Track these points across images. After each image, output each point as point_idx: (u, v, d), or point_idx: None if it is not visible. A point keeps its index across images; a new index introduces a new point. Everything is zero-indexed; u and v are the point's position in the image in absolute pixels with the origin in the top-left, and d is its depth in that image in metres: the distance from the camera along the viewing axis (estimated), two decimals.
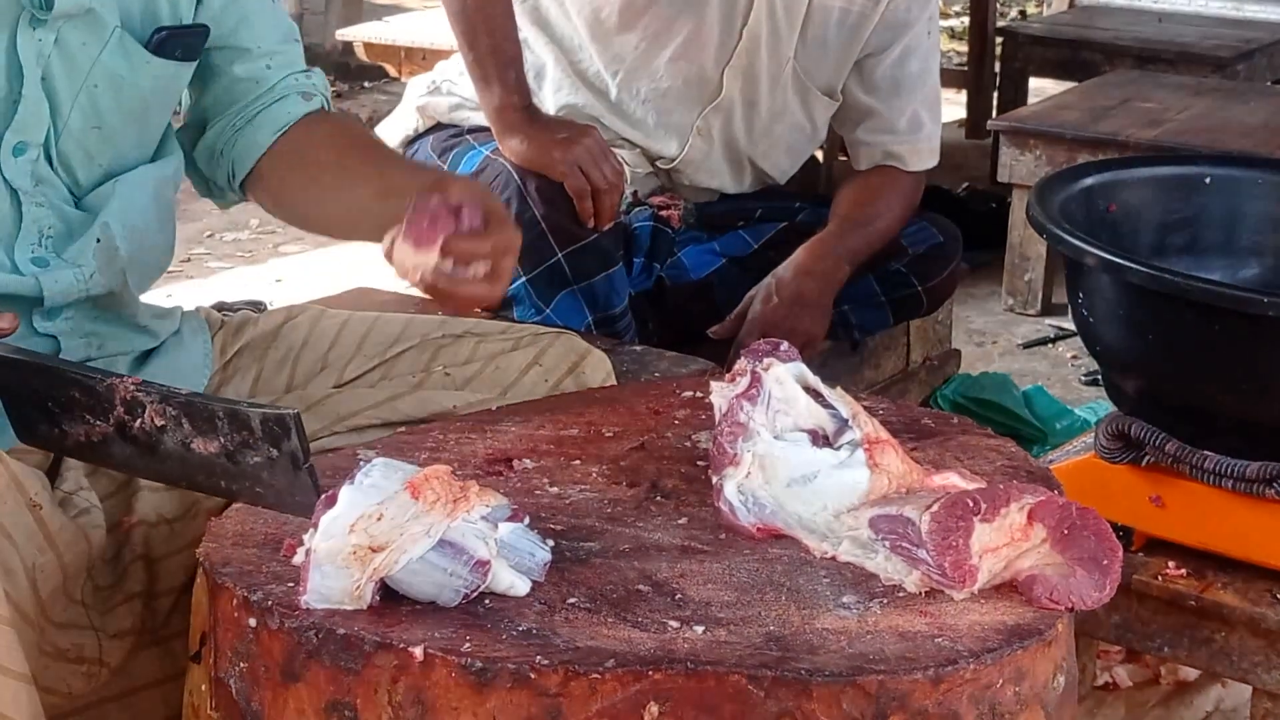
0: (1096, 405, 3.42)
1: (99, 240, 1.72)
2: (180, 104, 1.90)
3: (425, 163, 1.77)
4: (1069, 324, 3.95)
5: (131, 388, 1.47)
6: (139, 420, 1.47)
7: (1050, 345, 4.08)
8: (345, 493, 1.33)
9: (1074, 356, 3.97)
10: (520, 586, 1.35)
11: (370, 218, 1.73)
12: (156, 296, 1.96)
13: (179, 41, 1.75)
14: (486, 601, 1.33)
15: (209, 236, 4.76)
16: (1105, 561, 1.34)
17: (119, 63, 1.70)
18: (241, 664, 1.34)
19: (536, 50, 2.85)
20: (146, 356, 1.81)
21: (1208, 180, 2.32)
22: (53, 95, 1.67)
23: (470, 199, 1.62)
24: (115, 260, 1.73)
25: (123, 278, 1.75)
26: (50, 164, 1.69)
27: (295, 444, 1.41)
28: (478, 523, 1.33)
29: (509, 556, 1.35)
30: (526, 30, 2.82)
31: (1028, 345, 4.08)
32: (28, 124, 1.66)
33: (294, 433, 1.40)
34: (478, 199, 1.63)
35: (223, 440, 1.44)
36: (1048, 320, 4.22)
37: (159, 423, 1.46)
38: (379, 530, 1.31)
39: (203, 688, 1.39)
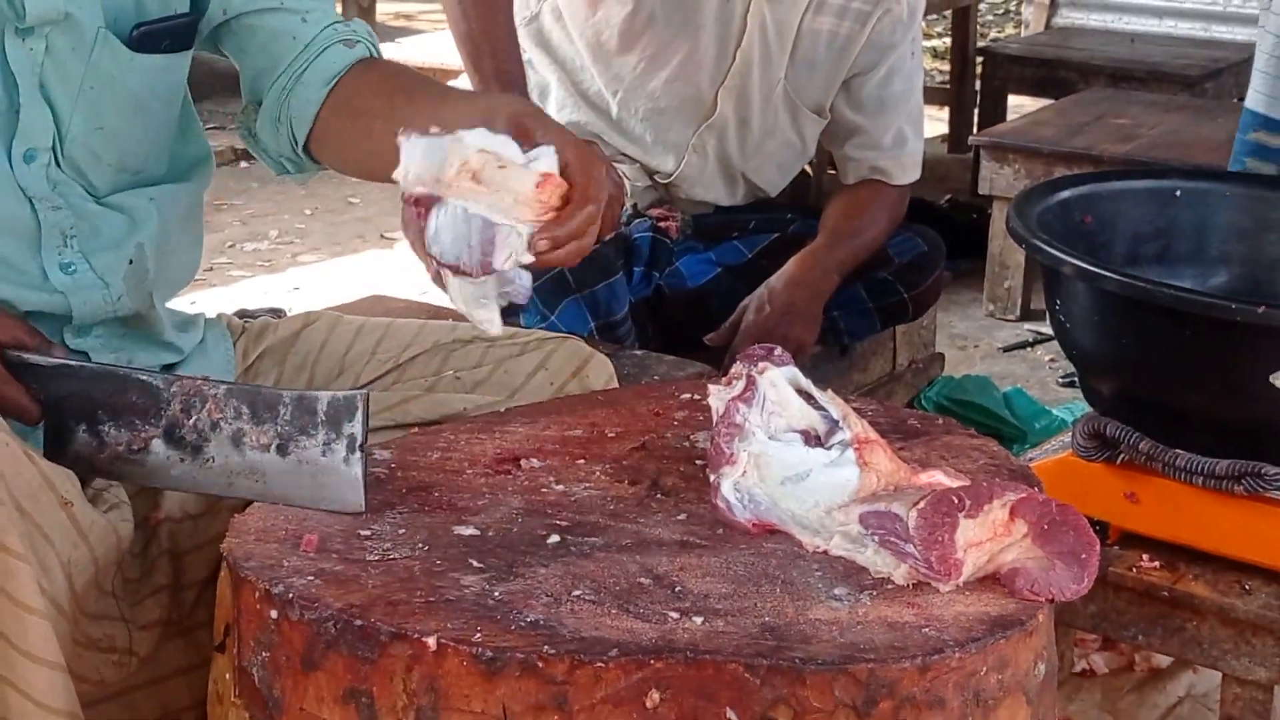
0: (1073, 406, 3.43)
1: (131, 262, 1.69)
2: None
3: (470, 91, 1.61)
4: (1047, 329, 3.95)
5: (198, 383, 1.47)
6: (194, 417, 1.47)
7: (1029, 349, 4.08)
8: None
9: (1051, 360, 3.97)
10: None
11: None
12: (181, 304, 1.95)
13: (163, 34, 1.68)
14: (496, 593, 1.33)
15: (230, 247, 4.75)
16: (1084, 555, 1.34)
17: (108, 63, 1.65)
18: (264, 653, 1.34)
19: (540, 70, 2.85)
20: (172, 368, 1.79)
21: (1178, 193, 2.32)
22: (53, 101, 1.63)
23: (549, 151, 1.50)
24: (144, 282, 1.71)
25: (150, 299, 1.73)
26: (60, 168, 1.65)
27: (358, 427, 1.42)
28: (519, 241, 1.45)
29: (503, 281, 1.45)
30: (530, 51, 2.82)
31: (1007, 349, 4.08)
32: (32, 131, 1.62)
33: (359, 414, 1.41)
34: (561, 152, 1.51)
35: (279, 428, 1.43)
36: (1026, 325, 4.22)
37: (216, 416, 1.46)
38: (479, 165, 1.41)
39: (227, 676, 1.39)
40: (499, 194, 1.43)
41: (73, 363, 1.55)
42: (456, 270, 1.44)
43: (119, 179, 1.70)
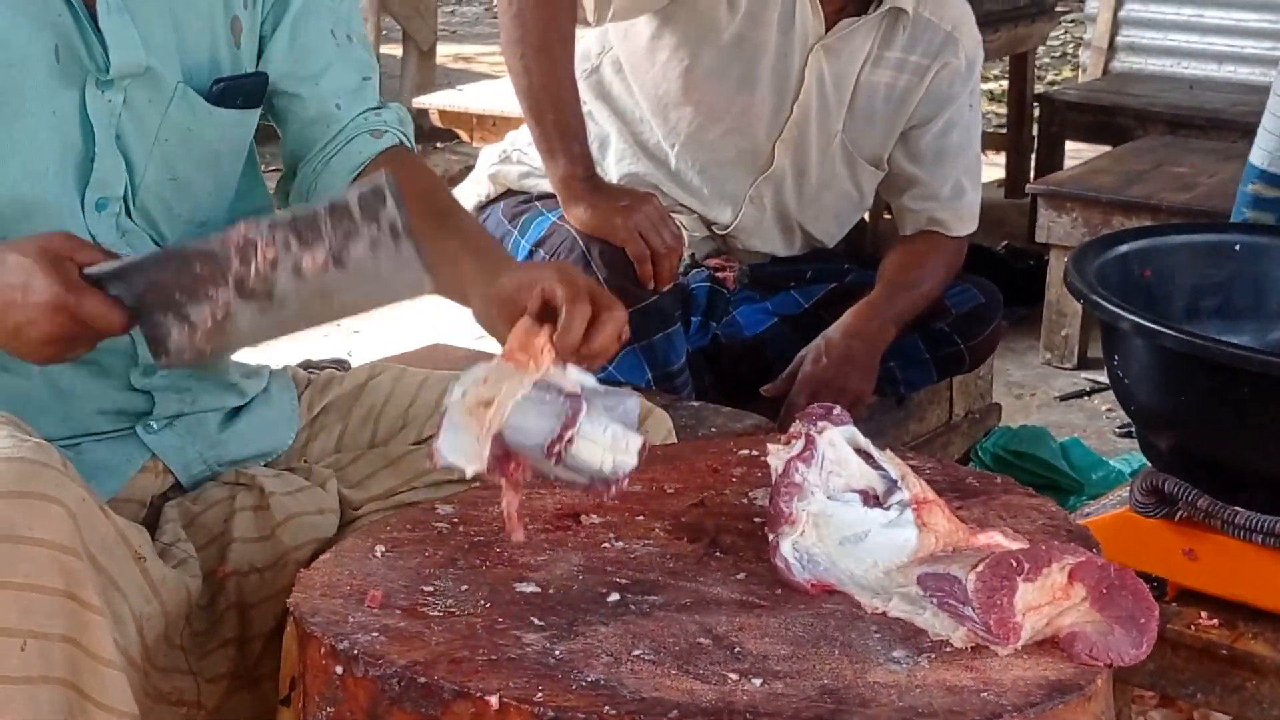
0: (1130, 457, 3.41)
1: None
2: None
3: (489, 247, 1.67)
4: (1104, 378, 3.93)
5: (241, 230, 1.48)
6: (253, 265, 1.48)
7: (1086, 398, 4.06)
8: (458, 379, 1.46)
9: (1109, 409, 3.95)
10: (624, 438, 1.43)
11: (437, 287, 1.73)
12: (246, 354, 1.98)
13: (238, 90, 1.73)
14: (558, 652, 1.34)
15: None
16: (1143, 620, 1.35)
17: (185, 116, 1.69)
18: (328, 709, 1.35)
19: (600, 121, 2.88)
20: (236, 412, 1.82)
21: (1238, 247, 2.32)
22: (127, 152, 1.66)
23: (567, 295, 1.50)
24: None
25: None
26: (131, 217, 1.68)
27: (393, 211, 1.42)
28: (567, 371, 1.45)
29: (598, 401, 1.44)
30: (591, 103, 2.85)
31: (1064, 398, 4.06)
32: (106, 180, 1.65)
33: (389, 198, 1.42)
34: (573, 291, 1.51)
35: (329, 243, 1.45)
36: (1083, 374, 4.20)
37: (271, 255, 1.47)
38: (486, 390, 1.43)
39: None
40: (511, 394, 1.46)
41: (135, 258, 1.55)
42: (589, 482, 1.48)
43: (187, 230, 1.73)
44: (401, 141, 1.83)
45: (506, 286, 1.57)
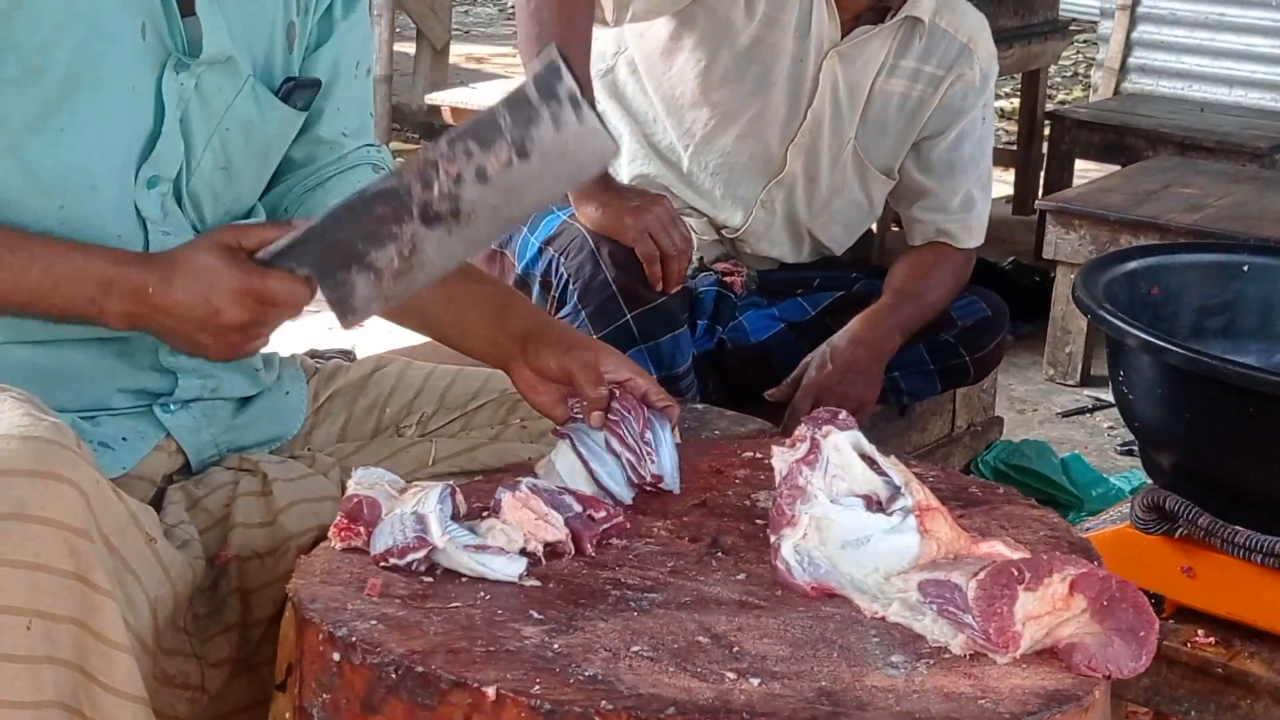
0: (1131, 475, 3.40)
1: None
2: None
3: (518, 302, 1.84)
4: (1107, 395, 3.93)
5: (421, 155, 1.46)
6: (436, 185, 1.46)
7: (1088, 415, 4.06)
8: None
9: (1110, 426, 3.94)
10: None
11: (428, 331, 1.83)
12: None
13: (301, 92, 1.77)
14: (556, 646, 1.34)
15: None
16: (1142, 633, 1.34)
17: (250, 108, 1.71)
18: (324, 695, 1.35)
19: (613, 122, 2.87)
20: (250, 399, 1.82)
21: (1245, 268, 2.32)
22: (188, 136, 1.68)
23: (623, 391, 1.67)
24: None
25: None
26: (179, 200, 1.69)
27: (570, 82, 1.39)
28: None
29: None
30: (605, 103, 2.85)
31: (1066, 414, 4.06)
32: (164, 160, 1.67)
33: (563, 70, 1.39)
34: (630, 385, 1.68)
35: (509, 137, 1.42)
36: (1086, 391, 4.19)
37: (454, 171, 1.45)
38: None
39: (287, 715, 1.41)
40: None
41: (302, 228, 1.54)
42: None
43: (225, 219, 1.75)
44: None
45: (587, 357, 1.69)
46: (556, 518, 1.50)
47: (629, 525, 1.56)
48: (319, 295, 1.56)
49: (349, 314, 1.55)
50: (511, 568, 1.45)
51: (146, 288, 1.54)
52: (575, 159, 1.46)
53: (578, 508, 1.53)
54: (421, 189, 1.47)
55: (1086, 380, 4.23)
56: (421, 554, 1.45)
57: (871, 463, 1.50)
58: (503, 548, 1.46)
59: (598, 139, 1.44)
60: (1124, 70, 6.36)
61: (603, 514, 1.52)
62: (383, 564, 1.45)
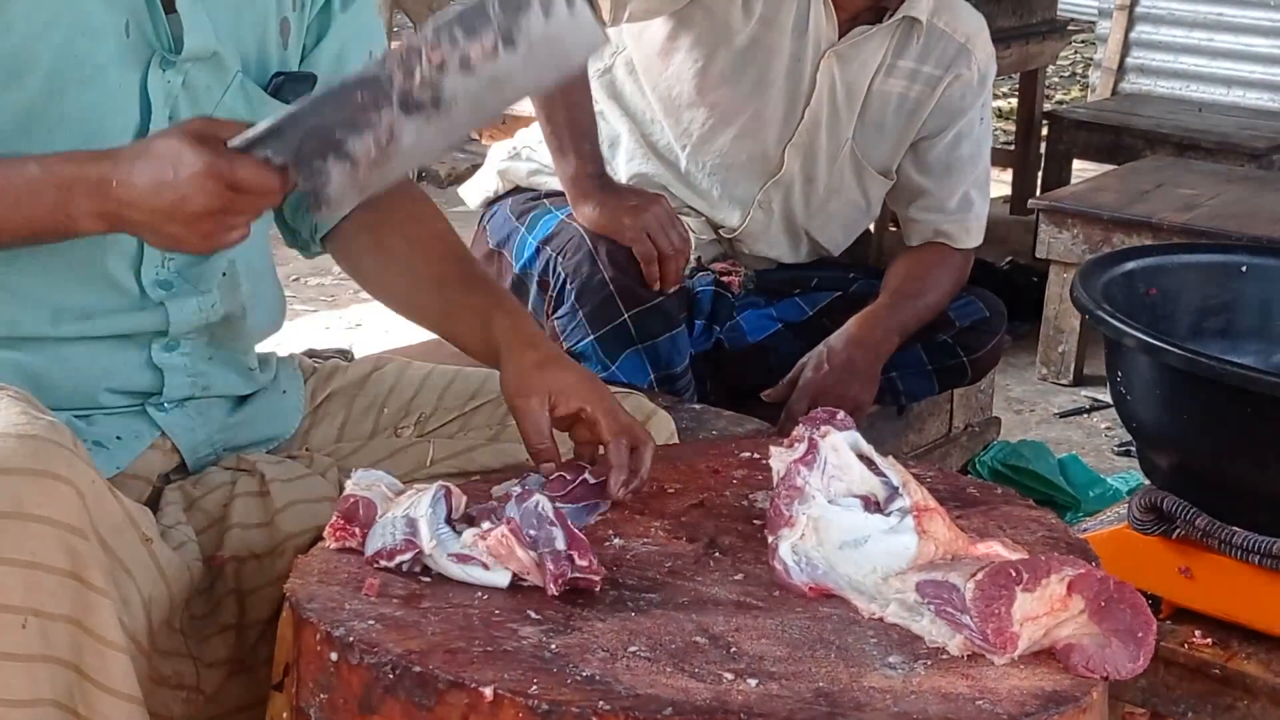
0: (1128, 475, 3.40)
1: (225, 275, 1.73)
2: None
3: (517, 308, 1.81)
4: (1103, 395, 3.93)
5: (406, 45, 1.41)
6: (418, 73, 1.41)
7: (1085, 415, 4.06)
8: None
9: (1108, 427, 3.94)
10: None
11: (436, 329, 1.82)
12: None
13: (292, 86, 1.75)
14: (553, 646, 1.34)
15: (294, 280, 4.80)
16: (1140, 634, 1.34)
17: (239, 104, 1.70)
18: (322, 695, 1.35)
19: (611, 121, 2.87)
20: (245, 399, 1.82)
21: (1244, 268, 2.32)
22: None
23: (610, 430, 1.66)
24: (238, 293, 1.75)
25: (243, 310, 1.76)
26: None
27: None
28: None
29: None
30: (603, 103, 2.85)
31: (1064, 415, 4.06)
32: None
33: None
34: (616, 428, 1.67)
35: (496, 24, 1.38)
36: (1081, 390, 4.19)
37: (436, 59, 1.41)
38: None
39: (284, 715, 1.41)
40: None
41: (282, 114, 1.49)
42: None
43: None
44: (406, 176, 1.86)
45: (544, 385, 1.67)
46: (528, 558, 1.45)
47: (600, 586, 1.47)
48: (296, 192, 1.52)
49: (324, 204, 1.50)
50: (496, 578, 1.44)
51: (110, 181, 1.49)
52: (562, 50, 1.42)
53: (561, 546, 1.45)
54: (403, 76, 1.43)
55: (1080, 379, 4.23)
56: (409, 556, 1.45)
57: (869, 463, 1.50)
58: (485, 564, 1.45)
59: (587, 30, 1.39)
60: (1122, 70, 6.36)
61: (585, 563, 1.44)
62: (375, 565, 1.45)
